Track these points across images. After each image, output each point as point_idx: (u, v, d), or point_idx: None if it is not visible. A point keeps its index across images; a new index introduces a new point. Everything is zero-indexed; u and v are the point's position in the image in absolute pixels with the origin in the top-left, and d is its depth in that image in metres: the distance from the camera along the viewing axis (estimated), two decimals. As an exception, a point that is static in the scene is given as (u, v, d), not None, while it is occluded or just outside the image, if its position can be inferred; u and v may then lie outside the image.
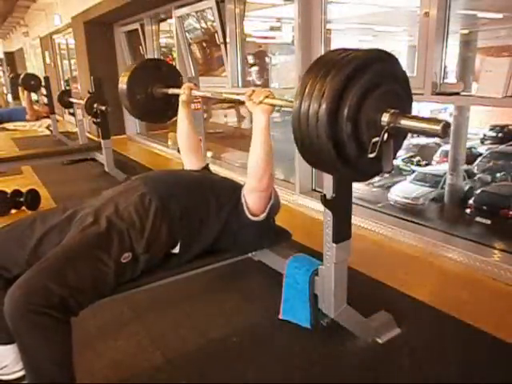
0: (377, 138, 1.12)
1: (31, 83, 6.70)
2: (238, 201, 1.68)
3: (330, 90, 1.07)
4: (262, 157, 1.56)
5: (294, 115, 1.15)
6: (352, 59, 1.10)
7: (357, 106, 1.09)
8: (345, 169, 1.18)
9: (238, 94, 1.83)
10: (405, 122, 1.12)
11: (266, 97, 1.56)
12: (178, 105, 2.18)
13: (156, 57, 5.49)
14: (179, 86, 2.23)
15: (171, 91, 2.36)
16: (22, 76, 6.81)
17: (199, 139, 2.22)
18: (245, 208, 1.66)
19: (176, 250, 1.59)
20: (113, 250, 1.39)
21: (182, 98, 2.14)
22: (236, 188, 1.76)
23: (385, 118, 1.13)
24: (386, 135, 1.13)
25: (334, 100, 1.07)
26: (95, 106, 4.07)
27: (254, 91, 1.61)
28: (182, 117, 2.13)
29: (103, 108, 3.98)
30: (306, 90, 1.12)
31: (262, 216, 1.68)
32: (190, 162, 2.11)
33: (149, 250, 1.47)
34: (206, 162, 2.13)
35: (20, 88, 7.41)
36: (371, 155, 1.12)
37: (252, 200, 1.65)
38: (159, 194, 1.58)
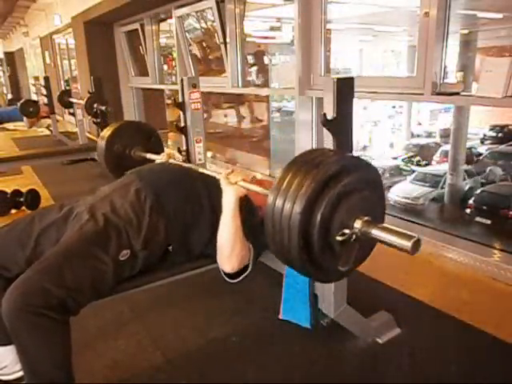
0: (347, 230, 1.12)
1: (30, 110, 6.71)
2: None
3: (305, 194, 1.06)
4: (230, 237, 1.52)
5: (268, 208, 1.14)
6: (329, 165, 1.10)
7: (332, 209, 1.09)
8: (309, 267, 1.17)
9: (214, 172, 1.78)
10: (376, 232, 1.11)
11: (243, 180, 1.54)
12: None
13: (156, 58, 5.49)
14: (158, 152, 2.22)
15: (149, 156, 2.32)
16: (21, 102, 6.81)
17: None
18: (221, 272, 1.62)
19: (175, 246, 1.58)
20: (111, 247, 1.38)
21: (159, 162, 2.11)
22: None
23: (357, 224, 1.13)
24: (354, 236, 1.13)
25: (307, 203, 1.06)
26: (95, 106, 4.07)
27: (232, 171, 1.59)
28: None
29: (103, 108, 3.98)
30: (283, 187, 1.11)
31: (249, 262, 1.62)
32: None
33: (147, 246, 1.47)
34: None
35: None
36: (339, 238, 1.11)
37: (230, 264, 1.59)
38: (154, 189, 1.57)
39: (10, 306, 1.18)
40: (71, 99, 5.42)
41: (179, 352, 1.68)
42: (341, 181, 1.10)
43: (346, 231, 1.12)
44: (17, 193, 3.35)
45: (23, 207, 3.32)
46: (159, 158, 2.14)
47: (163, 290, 1.75)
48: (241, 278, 1.61)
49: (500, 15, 6.59)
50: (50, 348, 1.22)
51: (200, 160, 2.55)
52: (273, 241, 1.16)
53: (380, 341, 1.67)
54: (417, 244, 1.06)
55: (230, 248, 1.53)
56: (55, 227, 1.49)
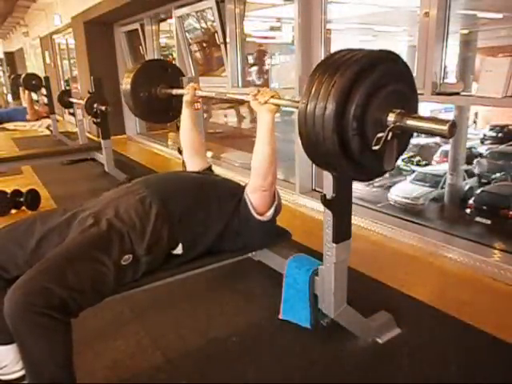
0: (381, 134, 1.13)
1: (32, 83, 6.70)
2: (240, 201, 1.68)
3: (337, 91, 1.08)
4: (267, 155, 1.57)
5: (300, 115, 1.16)
6: (358, 60, 1.11)
7: (363, 106, 1.10)
8: (349, 167, 1.19)
9: (242, 94, 1.83)
10: (411, 122, 1.13)
11: (272, 97, 1.57)
12: (180, 106, 2.18)
13: (156, 57, 5.49)
14: (182, 87, 2.23)
15: (175, 92, 2.36)
16: (23, 76, 6.81)
17: (203, 140, 2.21)
18: (250, 208, 1.65)
19: (179, 251, 1.59)
20: (113, 251, 1.38)
21: (185, 98, 2.14)
22: (238, 189, 1.76)
23: (391, 117, 1.14)
24: (390, 134, 1.13)
25: (340, 100, 1.08)
26: (95, 106, 4.07)
27: (259, 91, 1.61)
28: (186, 117, 2.13)
29: (103, 108, 3.98)
30: (313, 90, 1.13)
31: (269, 214, 1.69)
32: (192, 163, 2.11)
33: (150, 252, 1.47)
34: (209, 164, 2.12)
35: (21, 88, 7.41)
36: (375, 147, 1.12)
37: (257, 199, 1.66)
38: (160, 197, 1.58)
39: (13, 305, 1.18)
40: (71, 99, 5.41)
41: (179, 352, 1.68)
42: (369, 76, 1.10)
43: (380, 135, 1.12)
44: (17, 193, 3.35)
45: (23, 207, 3.32)
46: (185, 92, 2.16)
47: (163, 289, 1.75)
48: (271, 211, 1.67)
49: (500, 15, 6.59)
50: (52, 347, 1.22)
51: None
52: (308, 145, 1.18)
53: (380, 341, 1.67)
54: (452, 126, 1.06)
55: (269, 163, 1.58)
56: (57, 231, 1.49)
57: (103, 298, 1.39)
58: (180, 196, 1.64)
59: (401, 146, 1.27)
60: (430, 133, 1.12)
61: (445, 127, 1.06)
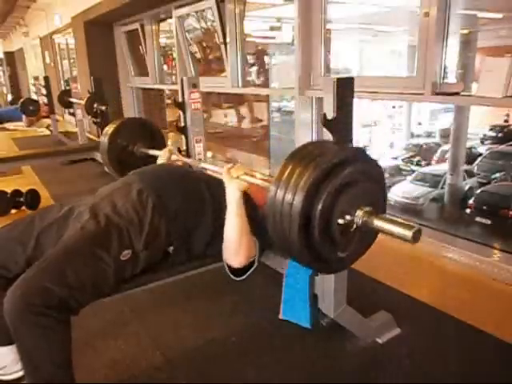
0: (344, 220, 1.14)
1: (30, 108, 6.73)
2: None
3: (306, 184, 1.08)
4: (236, 233, 1.53)
5: (269, 200, 1.16)
6: (333, 154, 1.12)
7: (332, 200, 1.10)
8: (312, 262, 1.19)
9: (217, 167, 1.84)
10: (376, 222, 1.12)
11: (245, 173, 1.54)
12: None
13: (156, 57, 5.49)
14: (161, 148, 2.23)
15: (152, 152, 2.33)
16: (21, 101, 6.85)
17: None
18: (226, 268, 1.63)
19: (176, 246, 1.58)
20: (112, 247, 1.38)
21: (160, 160, 2.12)
22: None
23: (358, 214, 1.14)
24: (354, 226, 1.14)
25: (309, 191, 1.08)
26: (95, 106, 4.06)
27: (234, 165, 1.59)
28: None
29: (103, 108, 3.98)
30: (284, 177, 1.13)
31: (244, 263, 1.62)
32: None
33: (148, 246, 1.47)
34: None
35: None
36: (340, 221, 1.13)
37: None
38: (156, 190, 1.57)
39: (12, 305, 1.18)
40: (71, 99, 5.41)
41: (179, 352, 1.68)
42: (342, 172, 1.11)
43: (348, 217, 1.13)
44: (17, 193, 3.35)
45: (23, 207, 3.32)
46: (161, 154, 2.14)
47: (163, 289, 1.75)
48: (247, 274, 1.62)
49: (500, 15, 6.59)
50: (51, 347, 1.22)
51: (200, 160, 2.55)
52: (274, 230, 1.18)
53: (380, 341, 1.67)
54: (417, 233, 1.06)
55: (237, 243, 1.53)
56: (55, 227, 1.49)
57: (103, 295, 1.38)
58: (174, 189, 1.62)
59: (363, 244, 1.28)
60: (394, 236, 1.10)
61: (409, 232, 1.05)
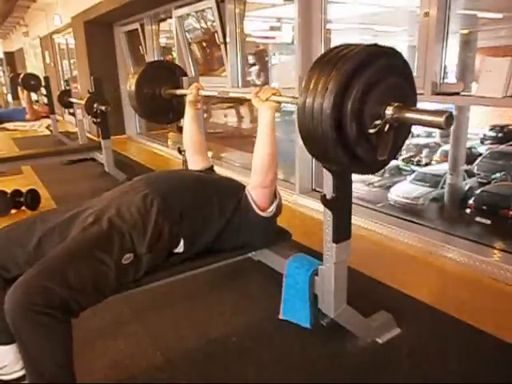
0: (378, 121, 1.15)
1: (31, 83, 6.69)
2: (241, 199, 1.69)
3: (334, 85, 1.09)
4: (268, 152, 1.59)
5: (298, 110, 1.18)
6: (355, 55, 1.12)
7: (360, 100, 1.11)
8: (346, 158, 1.20)
9: (244, 93, 1.86)
10: (408, 115, 1.14)
11: (273, 94, 1.59)
12: (180, 108, 2.19)
13: (156, 57, 5.49)
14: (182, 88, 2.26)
15: (179, 92, 2.38)
16: (21, 76, 6.80)
17: (204, 140, 2.22)
18: (252, 203, 1.66)
19: (180, 249, 1.59)
20: (114, 251, 1.38)
21: (188, 98, 2.15)
22: (239, 187, 1.76)
23: (388, 111, 1.16)
24: (387, 125, 1.15)
25: (337, 95, 1.09)
26: (95, 106, 4.06)
27: (261, 89, 1.62)
28: (189, 117, 2.14)
29: (103, 108, 3.98)
30: (311, 86, 1.14)
31: (270, 210, 1.70)
32: (194, 162, 2.12)
33: (151, 250, 1.47)
34: (211, 164, 2.13)
35: (19, 88, 7.40)
36: (371, 131, 1.14)
37: (258, 195, 1.67)
38: (161, 195, 1.58)
39: (14, 304, 1.18)
40: (71, 99, 5.40)
41: (179, 352, 1.68)
42: (366, 71, 1.12)
43: (378, 122, 1.15)
44: (17, 193, 3.35)
45: (23, 207, 3.32)
46: (189, 92, 2.18)
47: (163, 289, 1.75)
48: (272, 213, 1.69)
49: (500, 15, 6.58)
50: (53, 347, 1.22)
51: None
52: (307, 139, 1.20)
53: (380, 341, 1.67)
54: (449, 118, 1.07)
55: (269, 160, 1.60)
56: (58, 230, 1.49)
57: (104, 298, 1.38)
58: (181, 193, 1.65)
59: (398, 140, 1.28)
60: (427, 125, 1.14)
61: (441, 118, 1.07)
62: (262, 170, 1.61)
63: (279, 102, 1.60)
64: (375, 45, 1.18)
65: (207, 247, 1.68)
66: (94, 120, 4.19)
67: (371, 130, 1.14)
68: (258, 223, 1.70)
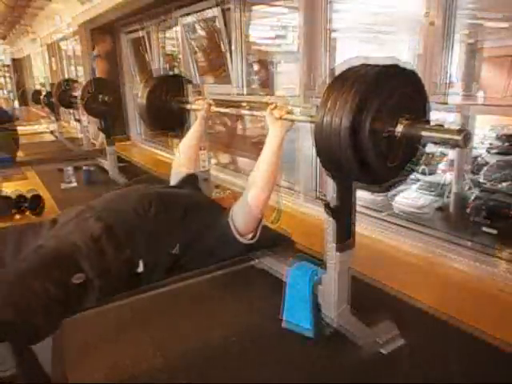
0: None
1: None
2: (214, 216, 1.66)
3: (352, 105, 1.12)
4: (269, 171, 1.56)
5: (316, 129, 1.20)
6: (371, 75, 1.16)
7: (377, 119, 1.14)
8: (365, 177, 1.24)
9: (257, 110, 1.85)
10: (425, 132, 1.15)
11: (288, 112, 1.55)
12: (186, 120, 2.19)
13: (161, 65, 5.51)
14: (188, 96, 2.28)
15: (189, 106, 2.39)
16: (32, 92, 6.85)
17: (200, 151, 2.23)
18: (231, 226, 1.63)
19: (140, 269, 1.56)
20: (61, 270, 1.36)
21: (201, 114, 2.16)
22: (212, 203, 1.73)
23: (399, 128, 1.17)
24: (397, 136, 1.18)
25: (355, 114, 1.12)
26: (100, 96, 4.06)
27: (276, 106, 1.59)
28: (197, 130, 2.14)
29: (106, 98, 3.98)
30: (329, 105, 1.17)
31: (250, 237, 1.67)
32: (182, 165, 2.12)
33: (103, 275, 1.44)
34: (195, 173, 2.11)
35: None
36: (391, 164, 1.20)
37: (241, 219, 1.63)
38: (103, 216, 1.56)
39: None
40: (73, 96, 5.35)
41: (180, 355, 1.67)
42: (381, 90, 1.15)
43: (392, 129, 1.18)
44: (20, 198, 3.36)
45: (27, 212, 3.33)
46: (200, 108, 2.20)
47: (165, 296, 1.74)
48: (254, 239, 1.67)
49: (506, 24, 6.59)
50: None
51: (204, 167, 2.55)
52: (325, 156, 1.24)
53: (383, 350, 1.65)
54: (468, 136, 1.06)
55: (267, 180, 1.57)
56: (11, 249, 1.48)
57: (56, 319, 1.32)
58: (125, 213, 1.61)
59: (410, 150, 1.29)
60: (443, 143, 1.13)
61: (459, 137, 1.06)
62: (262, 183, 1.57)
63: (293, 121, 1.57)
64: (391, 64, 1.21)
65: (171, 264, 1.64)
66: (99, 127, 4.21)
67: (386, 133, 1.17)
68: (231, 243, 1.68)
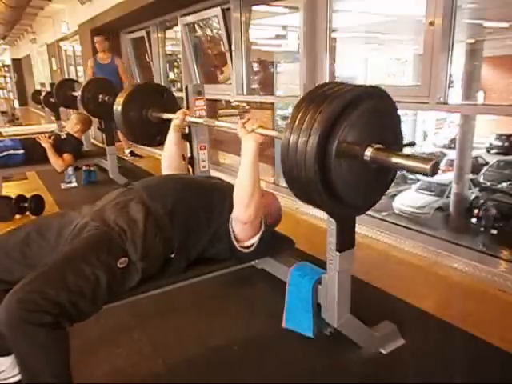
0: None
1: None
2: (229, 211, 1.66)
3: (320, 125, 1.07)
4: (248, 185, 1.53)
5: (282, 147, 1.16)
6: (342, 95, 1.11)
7: (344, 141, 1.10)
8: (330, 202, 1.18)
9: (231, 123, 1.86)
10: (393, 159, 1.12)
11: (259, 126, 1.57)
12: (167, 131, 2.16)
13: (162, 64, 5.52)
14: (174, 111, 2.25)
15: (166, 116, 2.36)
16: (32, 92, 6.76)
17: (183, 162, 2.20)
18: (231, 235, 1.63)
19: (172, 255, 1.58)
20: (109, 254, 1.38)
21: (174, 123, 2.14)
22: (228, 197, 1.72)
23: (368, 152, 1.13)
24: (371, 167, 1.15)
25: (322, 134, 1.07)
26: (100, 96, 4.05)
27: (248, 120, 1.61)
28: (172, 140, 2.10)
29: (106, 99, 3.98)
30: (296, 122, 1.12)
31: (247, 245, 1.65)
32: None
33: (144, 257, 1.46)
34: None
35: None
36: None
37: (237, 229, 1.62)
38: (151, 200, 1.57)
39: (8, 313, 1.16)
40: (74, 93, 5.34)
41: (181, 360, 1.67)
42: (351, 112, 1.10)
43: (362, 155, 1.13)
44: (21, 198, 3.36)
45: (27, 212, 3.33)
46: (175, 117, 2.17)
47: (165, 297, 1.74)
48: (252, 248, 1.64)
49: (506, 24, 6.58)
50: (49, 359, 1.20)
51: (204, 167, 2.55)
52: (290, 177, 1.17)
53: (384, 351, 1.65)
54: (436, 166, 1.04)
55: (249, 194, 1.53)
56: (53, 239, 1.48)
57: (101, 303, 1.36)
58: (172, 199, 1.61)
59: (384, 182, 1.28)
60: (411, 171, 1.12)
61: (427, 166, 1.04)
62: (243, 203, 1.54)
63: (263, 135, 1.56)
64: (363, 86, 1.18)
65: (200, 255, 1.65)
66: (99, 127, 4.21)
67: (354, 158, 1.13)
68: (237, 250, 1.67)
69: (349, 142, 1.10)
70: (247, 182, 1.53)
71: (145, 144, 2.78)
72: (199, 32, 4.86)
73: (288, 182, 1.21)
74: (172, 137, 2.13)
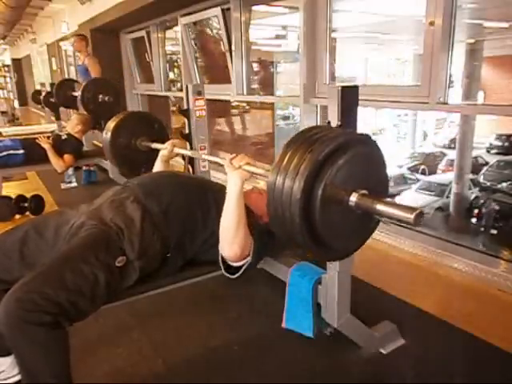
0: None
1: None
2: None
3: (305, 169, 1.07)
4: (233, 225, 1.51)
5: (268, 187, 1.15)
6: (330, 140, 1.11)
7: (331, 186, 1.09)
8: (313, 245, 1.17)
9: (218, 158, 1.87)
10: (378, 206, 1.12)
11: (247, 163, 1.54)
12: (154, 161, 2.16)
13: (162, 64, 5.51)
14: (164, 141, 2.24)
15: (154, 146, 2.34)
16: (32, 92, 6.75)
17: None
18: (219, 258, 1.60)
19: (168, 254, 1.57)
20: (107, 252, 1.38)
21: (162, 153, 2.12)
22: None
23: (353, 197, 1.14)
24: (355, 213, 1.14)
25: (308, 179, 1.07)
26: (100, 97, 4.06)
27: (236, 156, 1.59)
28: (157, 170, 2.12)
29: (106, 98, 3.99)
30: (283, 164, 1.12)
31: (239, 264, 1.60)
32: None
33: (142, 256, 1.46)
34: None
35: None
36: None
37: (224, 253, 1.58)
38: (149, 199, 1.57)
39: (7, 312, 1.15)
40: (73, 96, 5.34)
41: (180, 360, 1.67)
42: (339, 157, 1.10)
43: (347, 200, 1.14)
44: (21, 198, 3.36)
45: (27, 212, 3.33)
46: (164, 147, 2.15)
47: (165, 297, 1.74)
48: (240, 271, 1.59)
49: (506, 24, 6.58)
50: (49, 358, 1.20)
51: (204, 167, 2.55)
52: (275, 216, 1.16)
53: (383, 351, 1.65)
54: (419, 216, 1.04)
55: (234, 232, 1.51)
56: (51, 239, 1.48)
57: (100, 303, 1.36)
58: (165, 195, 1.61)
59: (365, 228, 1.27)
60: (394, 219, 1.10)
61: (411, 215, 1.04)
62: (227, 241, 1.52)
63: (250, 172, 1.53)
64: (353, 132, 1.19)
65: (193, 254, 1.65)
66: (99, 126, 4.21)
67: (339, 204, 1.13)
68: None
69: (335, 185, 1.10)
70: (231, 222, 1.51)
71: (129, 172, 2.63)
72: (209, 31, 4.85)
73: (271, 220, 1.20)
74: (158, 167, 2.12)
